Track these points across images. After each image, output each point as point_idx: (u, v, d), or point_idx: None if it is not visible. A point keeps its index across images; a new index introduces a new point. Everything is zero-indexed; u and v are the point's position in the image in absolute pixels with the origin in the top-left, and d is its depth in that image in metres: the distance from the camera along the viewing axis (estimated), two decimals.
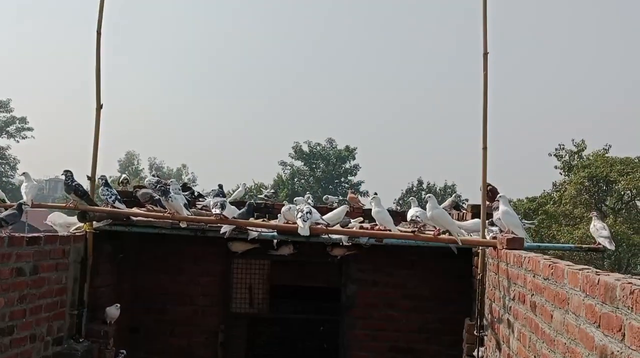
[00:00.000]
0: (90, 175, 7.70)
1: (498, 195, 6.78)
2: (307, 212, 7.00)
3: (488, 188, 7.75)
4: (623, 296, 3.02)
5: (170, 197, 7.05)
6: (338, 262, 8.99)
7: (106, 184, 7.56)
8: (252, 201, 7.81)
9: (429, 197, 6.73)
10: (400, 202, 65.37)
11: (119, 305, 7.91)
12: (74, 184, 7.19)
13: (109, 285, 8.49)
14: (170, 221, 7.43)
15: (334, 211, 8.05)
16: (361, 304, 9.12)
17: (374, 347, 9.07)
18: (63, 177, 7.37)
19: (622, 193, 27.91)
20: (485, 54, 7.04)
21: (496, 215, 6.69)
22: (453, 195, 11.13)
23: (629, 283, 3.04)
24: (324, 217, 7.51)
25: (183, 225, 7.47)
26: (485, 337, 6.75)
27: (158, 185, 7.33)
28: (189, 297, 9.29)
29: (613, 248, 7.11)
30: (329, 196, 11.94)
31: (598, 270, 3.68)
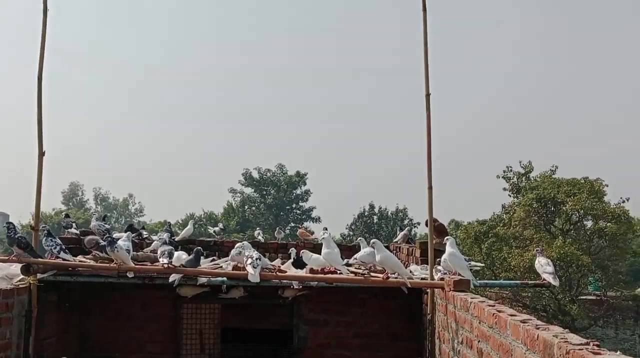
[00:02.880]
0: (33, 224, 7.64)
1: (445, 238, 6.98)
2: (256, 258, 7.08)
3: (435, 223, 7.97)
4: (560, 355, 3.19)
5: (115, 247, 7.05)
6: (289, 303, 9.06)
7: (49, 234, 7.50)
8: (199, 248, 7.82)
9: (374, 242, 6.90)
10: (352, 227, 65.71)
11: (65, 357, 7.80)
12: (16, 237, 7.11)
13: (55, 336, 8.36)
14: (117, 271, 7.40)
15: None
16: (313, 345, 9.20)
17: None
18: (5, 229, 7.29)
19: (570, 214, 28.63)
20: (428, 95, 7.28)
21: (443, 257, 6.89)
22: (405, 229, 11.30)
23: (565, 342, 3.22)
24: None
25: (130, 275, 7.44)
26: None
27: (105, 234, 7.31)
28: (137, 344, 9.21)
29: (557, 284, 7.37)
30: (279, 228, 12.02)
31: (538, 324, 3.85)
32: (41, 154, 7.56)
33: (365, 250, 7.51)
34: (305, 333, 9.20)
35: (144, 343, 9.21)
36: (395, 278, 6.88)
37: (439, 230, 8.23)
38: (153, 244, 9.28)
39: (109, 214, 70.91)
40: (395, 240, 10.85)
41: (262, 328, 9.52)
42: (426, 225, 7.69)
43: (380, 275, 7.07)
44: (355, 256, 7.77)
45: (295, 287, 7.95)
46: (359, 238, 8.43)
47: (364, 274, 7.23)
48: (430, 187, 7.21)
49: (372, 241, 6.99)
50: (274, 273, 7.39)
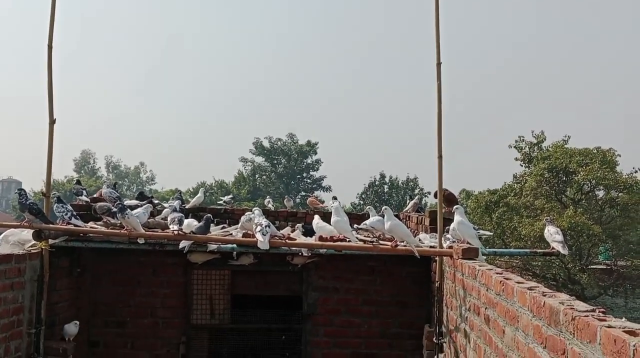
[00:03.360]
0: (45, 191, 7.70)
1: (454, 207, 6.98)
2: (265, 226, 7.12)
3: (445, 193, 7.97)
4: (565, 321, 3.20)
5: (126, 214, 7.11)
6: (299, 270, 9.14)
7: (59, 201, 7.57)
8: (209, 215, 7.87)
9: (385, 209, 6.91)
10: (363, 196, 65.79)
11: (77, 322, 7.93)
12: (28, 203, 7.18)
13: (67, 301, 8.49)
14: (128, 237, 7.47)
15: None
16: (323, 311, 9.30)
17: (336, 354, 9.26)
18: (17, 196, 7.35)
19: (582, 184, 28.48)
20: (439, 64, 7.23)
21: (452, 226, 6.90)
22: (416, 198, 11.34)
23: (571, 308, 3.23)
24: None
25: (141, 241, 7.51)
26: (444, 344, 6.96)
27: (116, 201, 7.35)
28: (148, 310, 9.32)
29: (566, 253, 7.37)
30: (289, 196, 12.04)
31: (545, 291, 3.86)
32: (52, 121, 7.59)
33: (375, 217, 7.53)
34: (315, 299, 9.30)
35: (154, 309, 9.32)
36: (404, 246, 6.91)
37: (448, 199, 8.23)
38: (164, 212, 9.35)
39: (119, 182, 71.26)
40: (406, 209, 10.88)
41: (271, 294, 9.59)
42: (435, 196, 7.71)
43: (389, 243, 7.10)
44: (365, 222, 7.80)
45: (305, 254, 8.00)
46: (369, 206, 8.45)
47: (373, 242, 7.26)
48: (440, 156, 7.18)
49: (383, 208, 6.99)
50: (283, 241, 7.43)
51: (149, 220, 8.37)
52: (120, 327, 9.27)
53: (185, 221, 7.75)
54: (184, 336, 9.29)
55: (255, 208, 8.27)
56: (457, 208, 6.97)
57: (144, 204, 8.88)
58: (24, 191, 7.38)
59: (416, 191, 63.32)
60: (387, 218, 6.87)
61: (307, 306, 9.31)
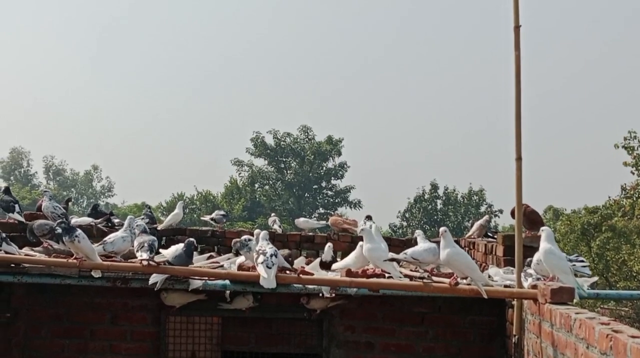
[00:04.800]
0: None
1: (540, 229, 6.95)
2: (271, 255, 7.12)
3: (526, 211, 7.95)
4: None
5: (76, 236, 7.14)
6: (318, 317, 9.12)
7: None
8: (191, 240, 7.90)
9: (443, 233, 6.88)
10: (407, 215, 65.71)
11: None
12: None
13: None
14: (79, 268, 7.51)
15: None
16: None
17: None
18: None
19: None
20: (517, 27, 7.25)
21: (536, 256, 6.87)
22: (483, 219, 11.28)
23: None
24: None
25: (96, 274, 7.54)
26: None
27: (59, 220, 7.41)
28: None
29: None
30: (306, 219, 12.04)
31: None
32: None
33: (423, 245, 7.51)
34: None
35: None
36: (468, 284, 6.88)
37: (530, 219, 8.20)
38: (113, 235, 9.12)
39: (65, 193, 71.73)
40: (469, 233, 10.84)
41: (278, 352, 9.58)
42: (512, 215, 7.66)
43: (447, 281, 7.07)
44: (405, 251, 7.71)
45: (326, 295, 7.98)
46: (417, 231, 8.44)
47: (423, 278, 7.24)
48: (519, 158, 7.17)
49: (441, 229, 6.97)
50: (296, 276, 7.43)
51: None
52: None
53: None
54: None
55: (256, 230, 8.30)
56: (543, 230, 6.92)
57: (103, 222, 8.95)
58: None
59: (482, 209, 63.19)
60: (443, 245, 6.85)
61: None
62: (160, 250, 8.29)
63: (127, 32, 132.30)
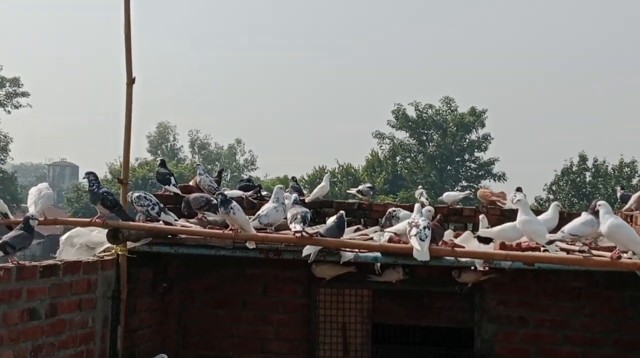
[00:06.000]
0: (122, 176, 8.04)
1: None
2: (425, 227, 7.08)
3: None
4: None
5: (232, 208, 7.26)
6: (468, 291, 9.06)
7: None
8: (342, 212, 7.90)
9: (601, 205, 6.70)
10: (553, 188, 64.37)
11: (164, 355, 8.19)
12: (101, 192, 7.50)
13: (151, 327, 8.86)
14: (233, 239, 7.65)
15: None
16: (503, 352, 9.22)
17: None
18: (86, 181, 7.72)
19: None
20: None
21: None
22: None
23: None
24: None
25: (250, 245, 7.68)
26: None
27: (218, 192, 7.58)
28: (258, 342, 9.60)
29: None
30: (448, 193, 11.93)
31: None
32: (130, 81, 7.94)
33: (579, 218, 7.30)
34: (493, 334, 9.22)
35: (266, 340, 9.59)
36: (630, 258, 6.69)
37: None
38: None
39: (209, 167, 73.34)
40: (627, 206, 10.54)
41: (429, 325, 9.57)
42: None
43: (607, 254, 6.89)
44: (562, 229, 7.54)
45: (479, 268, 7.89)
46: (553, 202, 8.26)
47: (583, 252, 7.07)
48: None
49: (597, 203, 6.78)
50: (450, 248, 7.38)
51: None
52: None
53: None
54: None
55: (418, 203, 8.23)
56: None
57: (253, 195, 9.07)
58: (95, 175, 7.71)
59: (634, 181, 61.16)
60: (603, 216, 6.66)
61: (480, 343, 9.24)
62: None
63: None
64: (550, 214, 8.12)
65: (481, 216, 8.87)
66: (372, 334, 9.63)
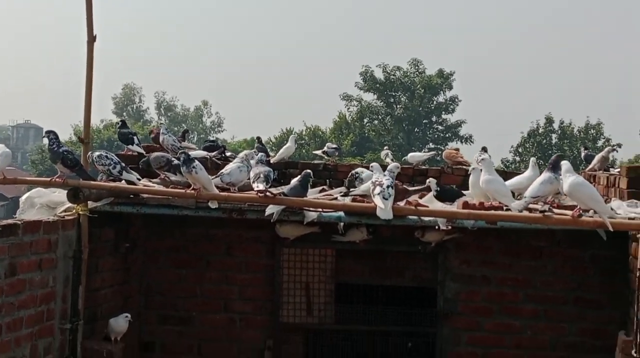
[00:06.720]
0: (82, 135, 7.98)
1: None
2: (388, 186, 7.10)
3: None
4: None
5: (194, 167, 7.24)
6: (432, 251, 9.11)
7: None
8: (308, 171, 7.90)
9: (563, 163, 6.74)
10: (520, 150, 64.69)
11: (128, 315, 8.20)
12: (61, 150, 7.44)
13: (113, 287, 8.84)
14: (196, 199, 7.63)
15: None
16: (467, 310, 9.30)
17: None
18: (46, 140, 7.65)
19: None
20: None
21: None
22: (606, 149, 11.10)
23: None
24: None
25: (213, 205, 7.66)
26: None
27: (180, 151, 7.54)
28: (221, 301, 9.60)
29: None
30: (413, 154, 11.97)
31: None
32: (91, 39, 7.85)
33: (539, 178, 7.33)
34: (456, 293, 9.29)
35: (230, 300, 9.60)
36: (591, 217, 6.74)
37: None
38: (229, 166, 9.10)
39: (176, 129, 73.00)
40: (591, 166, 10.62)
41: (392, 284, 9.62)
42: None
43: (568, 213, 6.94)
44: (524, 194, 7.51)
45: (442, 227, 7.92)
46: (532, 158, 8.30)
47: (544, 211, 7.11)
48: None
49: (560, 162, 6.81)
50: (413, 207, 7.40)
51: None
52: (183, 325, 9.59)
53: None
54: (270, 339, 9.49)
55: (373, 163, 8.26)
56: None
57: (217, 155, 9.03)
58: (55, 134, 7.65)
59: (599, 143, 61.55)
60: (564, 174, 6.71)
61: (443, 302, 9.31)
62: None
63: None
64: (531, 171, 8.17)
65: (429, 179, 8.85)
66: (336, 294, 9.67)
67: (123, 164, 7.86)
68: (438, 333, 9.36)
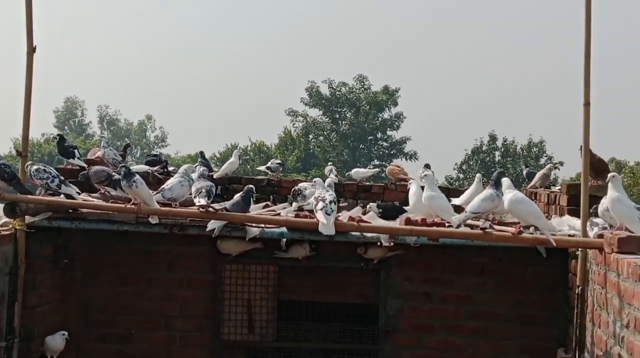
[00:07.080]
0: (21, 149, 7.87)
1: (609, 176, 6.82)
2: (331, 201, 7.11)
3: (594, 159, 7.83)
4: None
5: (134, 181, 7.20)
6: (374, 267, 9.13)
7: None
8: (250, 186, 7.90)
9: (504, 179, 6.81)
10: (463, 167, 65.32)
11: (65, 332, 8.10)
12: None
13: (50, 304, 8.70)
14: (136, 214, 7.57)
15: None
16: (408, 327, 9.30)
17: None
18: None
19: None
20: None
21: (603, 204, 6.76)
22: (548, 166, 11.30)
23: None
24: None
25: (153, 220, 7.60)
26: None
27: (121, 165, 7.47)
28: (162, 319, 9.49)
29: None
30: (357, 169, 12.04)
31: None
32: (31, 49, 7.75)
33: (479, 195, 7.40)
34: (397, 310, 9.29)
35: (170, 318, 9.49)
36: (532, 234, 6.80)
37: (596, 168, 8.05)
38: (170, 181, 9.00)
39: (119, 143, 72.38)
40: (532, 183, 10.76)
41: (334, 301, 9.62)
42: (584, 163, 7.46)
43: (510, 229, 7.00)
44: (465, 209, 7.59)
45: (385, 244, 7.96)
46: (477, 174, 8.37)
47: (485, 229, 7.16)
48: (587, 103, 7.05)
49: (500, 177, 6.88)
50: (356, 223, 7.41)
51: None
52: (122, 343, 9.45)
53: None
54: (211, 357, 9.41)
55: (316, 178, 8.28)
56: (613, 176, 6.74)
57: (159, 170, 8.99)
58: None
59: (542, 161, 62.38)
60: (505, 191, 6.77)
61: (385, 319, 9.30)
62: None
63: None
64: (474, 187, 8.26)
65: (370, 205, 8.90)
66: (278, 311, 9.63)
67: (62, 178, 7.78)
68: (380, 351, 9.34)
